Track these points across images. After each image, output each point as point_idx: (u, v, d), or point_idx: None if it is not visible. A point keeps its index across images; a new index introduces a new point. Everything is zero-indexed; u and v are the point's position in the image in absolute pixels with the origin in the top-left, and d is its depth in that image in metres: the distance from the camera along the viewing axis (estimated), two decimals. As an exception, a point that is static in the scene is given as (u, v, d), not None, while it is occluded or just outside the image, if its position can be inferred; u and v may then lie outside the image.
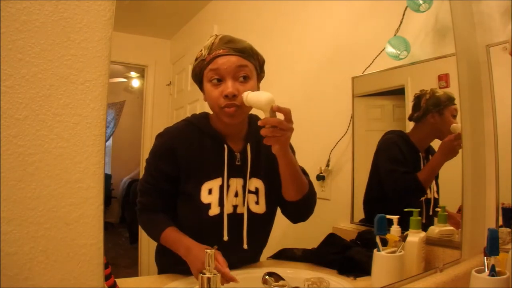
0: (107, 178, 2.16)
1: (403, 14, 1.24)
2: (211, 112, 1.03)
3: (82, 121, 0.51)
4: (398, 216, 0.99)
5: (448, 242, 1.09)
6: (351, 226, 1.37)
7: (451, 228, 1.11)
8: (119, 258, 1.99)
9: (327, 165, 1.48)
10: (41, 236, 0.48)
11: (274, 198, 1.04)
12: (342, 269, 1.03)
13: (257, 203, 1.02)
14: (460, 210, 1.10)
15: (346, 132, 1.42)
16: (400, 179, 1.26)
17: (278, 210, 1.09)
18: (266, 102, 0.85)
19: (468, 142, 1.12)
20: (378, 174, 1.32)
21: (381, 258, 0.92)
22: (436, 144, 1.21)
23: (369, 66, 1.33)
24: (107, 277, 0.65)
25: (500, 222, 1.11)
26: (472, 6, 1.19)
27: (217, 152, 1.00)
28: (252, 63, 0.97)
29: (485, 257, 0.84)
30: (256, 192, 1.03)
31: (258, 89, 1.00)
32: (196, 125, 1.02)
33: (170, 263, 0.99)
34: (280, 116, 0.86)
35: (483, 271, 0.84)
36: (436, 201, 1.18)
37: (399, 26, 1.25)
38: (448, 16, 1.12)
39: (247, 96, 0.90)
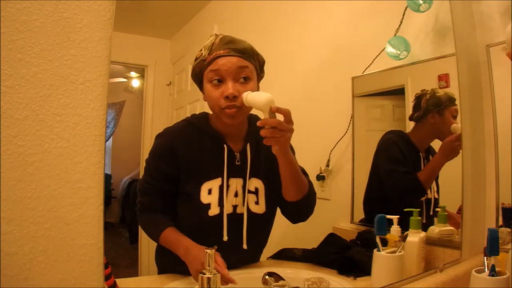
0: (107, 178, 2.16)
1: (403, 14, 1.24)
2: (210, 112, 1.03)
3: (82, 121, 0.51)
4: (398, 216, 0.99)
5: (448, 242, 1.09)
6: (351, 226, 1.37)
7: (451, 228, 1.11)
8: (119, 258, 1.99)
9: (327, 165, 1.48)
10: (41, 236, 0.48)
11: (274, 198, 1.04)
12: (342, 269, 1.03)
13: (257, 203, 1.02)
14: (460, 210, 1.10)
15: (346, 132, 1.42)
16: (400, 179, 1.26)
17: (278, 210, 1.09)
18: (265, 102, 0.85)
19: (468, 142, 1.12)
20: (378, 174, 1.31)
21: (381, 258, 0.92)
22: (436, 144, 1.21)
23: (369, 66, 1.33)
24: (107, 277, 0.65)
25: (500, 222, 1.11)
26: (472, 6, 1.19)
27: (216, 152, 1.00)
28: (252, 64, 0.97)
29: (485, 257, 0.84)
30: (256, 192, 1.03)
31: (258, 89, 1.00)
32: (195, 125, 1.02)
33: (170, 263, 0.99)
34: (280, 117, 0.86)
35: (483, 271, 0.83)
36: (436, 201, 1.18)
37: (399, 26, 1.25)
38: (448, 16, 1.12)
39: (246, 97, 0.90)
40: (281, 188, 1.01)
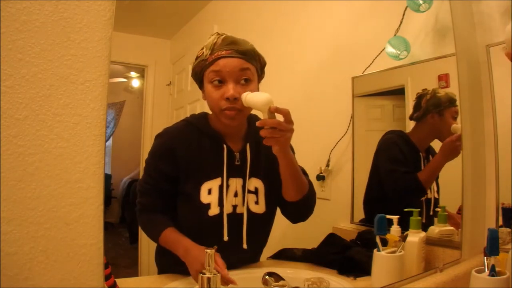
0: (107, 178, 2.16)
1: (403, 14, 1.24)
2: (210, 112, 1.03)
3: (82, 121, 0.51)
4: (398, 216, 0.99)
5: (448, 242, 1.09)
6: (351, 226, 1.37)
7: (451, 228, 1.11)
8: (119, 258, 1.99)
9: (327, 165, 1.48)
10: (41, 236, 0.48)
11: (274, 198, 1.04)
12: (342, 269, 1.03)
13: (256, 203, 1.02)
14: (460, 210, 1.10)
15: (346, 132, 1.42)
16: (400, 179, 1.26)
17: (278, 210, 1.09)
18: (264, 103, 0.85)
19: (468, 142, 1.11)
20: (378, 174, 1.31)
21: (381, 258, 0.92)
22: (436, 144, 1.21)
23: (369, 66, 1.33)
24: (107, 277, 0.65)
25: (500, 222, 1.11)
26: (472, 6, 1.19)
27: (216, 152, 1.00)
28: (254, 66, 0.97)
29: (485, 257, 0.84)
30: (255, 192, 1.03)
31: (258, 90, 1.00)
32: (195, 125, 1.02)
33: (170, 263, 0.99)
34: (279, 117, 0.86)
35: (483, 271, 0.83)
36: (436, 201, 1.18)
37: (399, 26, 1.25)
38: (448, 16, 1.12)
39: (246, 97, 0.90)
40: (281, 188, 1.01)
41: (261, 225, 1.06)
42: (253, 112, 1.01)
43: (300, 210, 1.04)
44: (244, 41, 0.97)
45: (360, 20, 1.43)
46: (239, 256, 1.00)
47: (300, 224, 1.07)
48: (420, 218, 1.03)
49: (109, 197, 2.71)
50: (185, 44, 2.28)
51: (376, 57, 1.31)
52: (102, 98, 0.53)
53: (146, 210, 1.01)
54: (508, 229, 1.08)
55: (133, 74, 2.55)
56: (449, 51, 1.12)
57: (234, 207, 1.00)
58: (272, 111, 0.85)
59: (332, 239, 1.19)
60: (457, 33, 1.11)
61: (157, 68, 2.29)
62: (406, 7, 1.22)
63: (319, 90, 1.56)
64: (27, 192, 0.47)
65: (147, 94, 2.25)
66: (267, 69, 1.03)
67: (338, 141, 1.44)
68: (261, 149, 1.03)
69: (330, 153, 1.47)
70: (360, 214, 1.37)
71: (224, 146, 1.00)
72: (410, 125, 1.26)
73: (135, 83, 2.61)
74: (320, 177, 1.49)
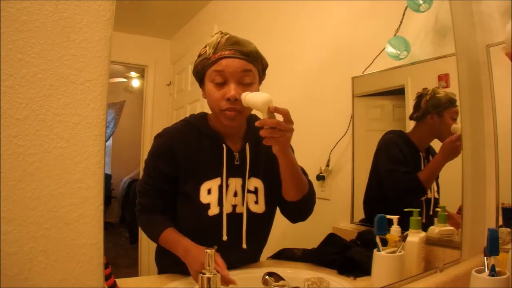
0: (107, 178, 2.16)
1: (403, 14, 1.24)
2: (209, 112, 1.03)
3: (82, 121, 0.51)
4: (398, 216, 0.99)
5: (448, 242, 1.09)
6: (351, 226, 1.37)
7: (451, 228, 1.11)
8: (119, 258, 1.99)
9: (327, 165, 1.48)
10: (41, 236, 0.48)
11: (274, 198, 1.04)
12: (342, 269, 1.03)
13: (256, 202, 1.02)
14: (460, 210, 1.10)
15: (346, 132, 1.42)
16: (400, 179, 1.26)
17: (278, 210, 1.09)
18: (263, 102, 0.85)
19: (468, 142, 1.11)
20: (378, 174, 1.31)
21: (381, 258, 0.92)
22: (436, 144, 1.21)
23: (369, 66, 1.33)
24: (107, 277, 0.65)
25: (500, 222, 1.11)
26: (472, 6, 1.19)
27: (215, 152, 1.00)
28: (256, 67, 0.97)
29: (485, 257, 0.84)
30: (255, 191, 1.03)
31: (258, 90, 1.00)
32: (194, 125, 1.02)
33: (170, 263, 0.99)
34: (279, 117, 0.86)
35: (483, 271, 0.83)
36: (436, 201, 1.18)
37: (399, 26, 1.25)
38: (448, 16, 1.12)
39: (245, 97, 0.90)
40: (280, 188, 1.01)
41: (260, 225, 1.06)
42: (253, 112, 1.01)
43: (300, 210, 1.04)
44: (247, 42, 0.97)
45: (360, 20, 1.43)
46: (239, 256, 1.00)
47: (300, 224, 1.07)
48: (420, 218, 1.03)
49: (109, 197, 2.72)
50: (185, 44, 2.28)
51: (376, 57, 1.31)
52: (102, 98, 0.53)
53: (146, 211, 1.01)
54: (508, 229, 1.08)
55: (133, 74, 2.56)
56: (449, 51, 1.12)
57: (234, 207, 1.00)
58: (272, 111, 0.85)
59: (332, 239, 1.19)
60: (457, 33, 1.11)
61: (157, 68, 2.29)
62: (406, 7, 1.22)
63: (319, 90, 1.56)
64: (27, 192, 0.47)
65: (147, 94, 2.25)
66: (267, 69, 1.03)
67: (338, 141, 1.44)
68: (260, 149, 1.03)
69: (330, 153, 1.47)
70: (360, 214, 1.37)
71: (224, 146, 1.00)
72: (410, 125, 1.26)
73: (135, 83, 2.62)
74: (320, 177, 1.49)
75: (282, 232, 1.22)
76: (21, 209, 0.47)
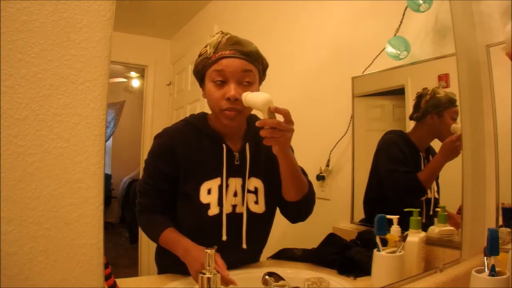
0: (107, 178, 2.16)
1: (403, 14, 1.24)
2: (209, 112, 1.03)
3: (82, 121, 0.51)
4: (398, 216, 0.99)
5: (448, 242, 1.09)
6: (351, 226, 1.37)
7: (451, 228, 1.11)
8: (119, 258, 1.99)
9: (327, 165, 1.48)
10: (41, 236, 0.48)
11: (274, 198, 1.04)
12: (342, 269, 1.03)
13: (256, 202, 1.02)
14: (460, 210, 1.10)
15: (346, 132, 1.42)
16: (400, 179, 1.26)
17: (278, 210, 1.08)
18: (263, 102, 0.85)
19: (468, 142, 1.11)
20: (378, 174, 1.31)
21: (381, 258, 0.92)
22: (436, 144, 1.21)
23: (369, 66, 1.33)
24: (107, 277, 0.65)
25: (500, 222, 1.11)
26: (472, 6, 1.19)
27: (215, 152, 1.00)
28: (256, 68, 0.97)
29: (485, 257, 0.84)
30: (255, 191, 1.03)
31: (258, 91, 1.00)
32: (194, 125, 1.02)
33: (170, 263, 0.99)
34: (279, 117, 0.86)
35: (483, 271, 0.83)
36: (436, 201, 1.18)
37: (399, 26, 1.25)
38: (448, 16, 1.12)
39: (246, 97, 0.90)
40: (280, 188, 1.01)
41: (260, 225, 1.06)
42: (253, 112, 1.01)
43: (300, 210, 1.04)
44: (248, 42, 0.97)
45: (360, 20, 1.43)
46: (239, 256, 1.00)
47: (300, 224, 1.07)
48: (420, 218, 1.03)
49: (109, 197, 2.72)
50: (185, 44, 2.28)
51: (376, 57, 1.31)
52: (102, 98, 0.53)
53: (146, 211, 1.01)
54: (508, 229, 1.08)
55: (133, 74, 2.56)
56: (449, 51, 1.12)
57: (234, 206, 1.00)
58: (272, 111, 0.85)
59: (332, 239, 1.19)
60: (457, 33, 1.11)
61: (157, 68, 2.29)
62: (406, 7, 1.22)
63: (319, 90, 1.56)
64: (27, 192, 0.47)
65: (147, 94, 2.25)
66: (267, 69, 1.03)
67: (338, 141, 1.44)
68: (260, 149, 1.03)
69: (330, 153, 1.47)
70: (360, 214, 1.37)
71: (224, 146, 1.00)
72: (410, 125, 1.26)
73: (135, 83, 2.62)
74: (320, 177, 1.49)
75: (282, 232, 1.22)
76: (21, 209, 0.47)
